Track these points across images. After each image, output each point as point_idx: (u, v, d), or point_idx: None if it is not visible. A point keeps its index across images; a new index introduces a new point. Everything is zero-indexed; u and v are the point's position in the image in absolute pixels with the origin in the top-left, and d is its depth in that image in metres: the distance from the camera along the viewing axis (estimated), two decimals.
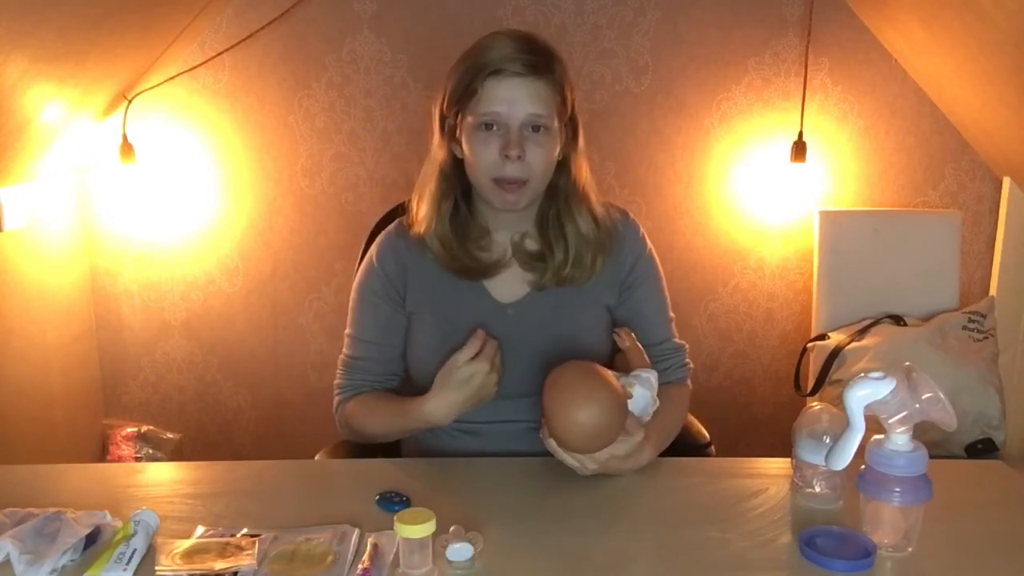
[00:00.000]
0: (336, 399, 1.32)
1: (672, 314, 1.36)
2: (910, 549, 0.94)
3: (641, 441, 1.10)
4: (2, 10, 1.39)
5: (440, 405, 1.16)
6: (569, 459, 1.09)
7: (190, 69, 2.18)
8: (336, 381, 1.33)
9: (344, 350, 1.33)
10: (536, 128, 1.17)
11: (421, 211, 1.27)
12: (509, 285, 1.28)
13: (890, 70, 2.23)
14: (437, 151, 1.25)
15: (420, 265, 1.28)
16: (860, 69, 2.24)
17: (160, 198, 2.27)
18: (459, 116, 1.20)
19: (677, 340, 1.35)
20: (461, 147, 1.21)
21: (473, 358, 1.13)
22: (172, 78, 2.17)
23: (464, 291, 1.27)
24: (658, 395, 1.18)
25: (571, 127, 1.24)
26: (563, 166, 1.25)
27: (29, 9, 1.45)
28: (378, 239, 1.34)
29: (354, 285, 1.33)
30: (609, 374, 1.08)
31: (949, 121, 2.26)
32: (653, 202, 2.31)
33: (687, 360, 1.36)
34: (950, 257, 2.19)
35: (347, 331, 1.33)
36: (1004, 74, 1.82)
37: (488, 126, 1.17)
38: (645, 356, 1.23)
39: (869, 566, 0.91)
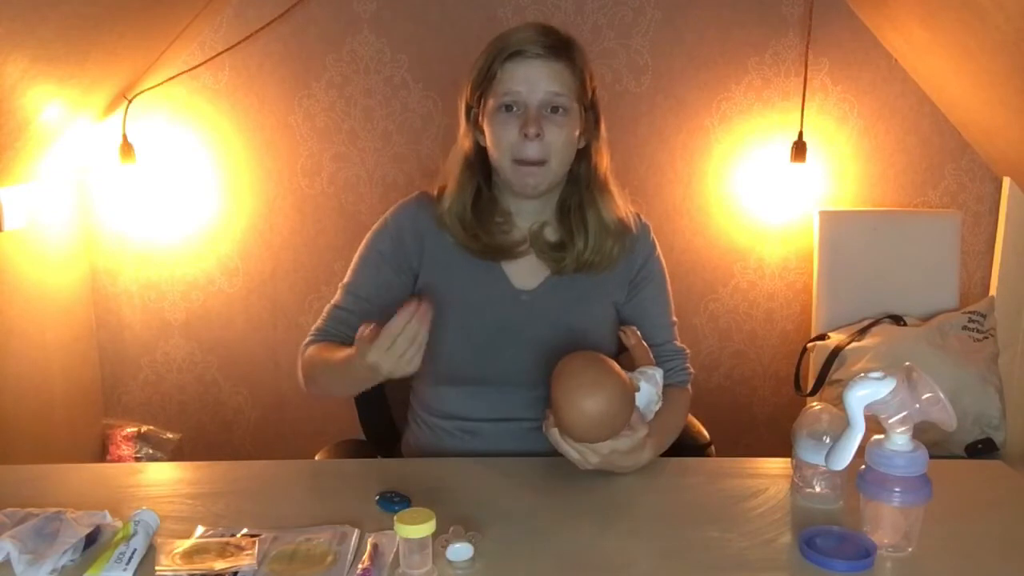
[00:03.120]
0: (306, 340, 1.28)
1: (675, 318, 1.37)
2: (910, 549, 0.94)
3: (644, 438, 1.10)
4: (2, 10, 1.39)
5: (365, 365, 1.03)
6: (571, 451, 1.08)
7: (190, 69, 2.18)
8: (315, 325, 1.30)
9: (334, 298, 1.31)
10: (555, 109, 1.18)
11: (447, 195, 1.27)
12: (528, 272, 1.29)
13: (890, 70, 2.23)
14: (463, 140, 1.27)
15: (439, 240, 1.28)
16: (860, 69, 2.24)
17: (160, 198, 2.27)
18: (481, 101, 1.22)
19: (679, 343, 1.36)
20: (484, 134, 1.22)
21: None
22: (172, 78, 2.17)
23: (483, 273, 1.27)
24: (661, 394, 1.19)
25: (592, 114, 1.25)
26: (585, 154, 1.26)
27: (29, 9, 1.45)
28: (398, 204, 1.33)
29: (364, 241, 1.32)
30: (617, 366, 1.08)
31: (949, 121, 2.26)
32: (653, 202, 2.31)
33: (688, 365, 1.36)
34: (950, 257, 2.19)
35: (343, 281, 1.32)
36: (1004, 74, 1.82)
37: (508, 108, 1.18)
38: (650, 355, 1.23)
39: (869, 566, 0.91)
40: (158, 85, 2.16)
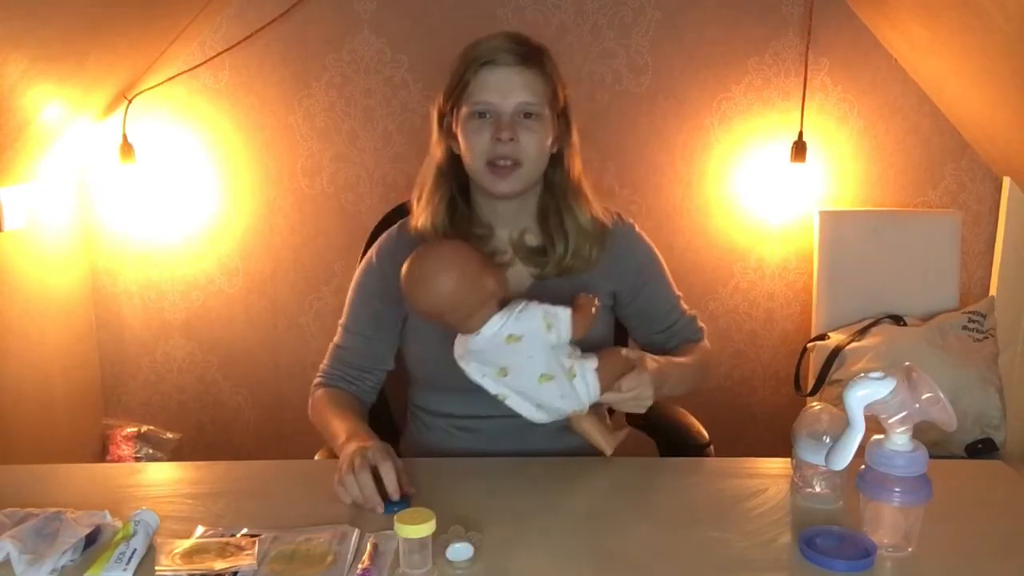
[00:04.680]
0: (315, 380, 1.36)
1: (678, 292, 1.40)
2: (910, 549, 0.94)
3: (644, 373, 1.13)
4: (2, 10, 1.39)
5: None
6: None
7: (190, 69, 2.18)
8: (321, 365, 1.37)
9: (335, 338, 1.36)
10: (528, 115, 1.20)
11: (419, 207, 1.29)
12: (511, 280, 1.29)
13: (890, 70, 2.23)
14: (435, 149, 1.28)
15: None
16: (860, 69, 2.24)
17: (160, 198, 2.27)
18: (454, 110, 1.23)
19: (687, 314, 1.40)
20: (457, 142, 1.23)
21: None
22: (172, 78, 2.17)
23: None
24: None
25: (564, 122, 1.27)
26: (558, 160, 1.28)
27: (29, 9, 1.45)
28: (380, 238, 1.36)
29: (353, 278, 1.36)
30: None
31: (949, 121, 2.26)
32: (653, 202, 2.31)
33: (700, 325, 1.41)
34: (950, 257, 2.19)
35: (340, 321, 1.36)
36: (1004, 74, 1.82)
37: (481, 115, 1.20)
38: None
39: (869, 566, 0.91)
40: (158, 85, 2.16)
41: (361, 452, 1.07)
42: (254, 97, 2.23)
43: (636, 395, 1.13)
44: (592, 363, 1.11)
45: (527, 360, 1.09)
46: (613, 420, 1.32)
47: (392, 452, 1.09)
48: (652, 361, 1.18)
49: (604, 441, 1.16)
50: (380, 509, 1.02)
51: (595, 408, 1.15)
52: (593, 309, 1.14)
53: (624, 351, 1.17)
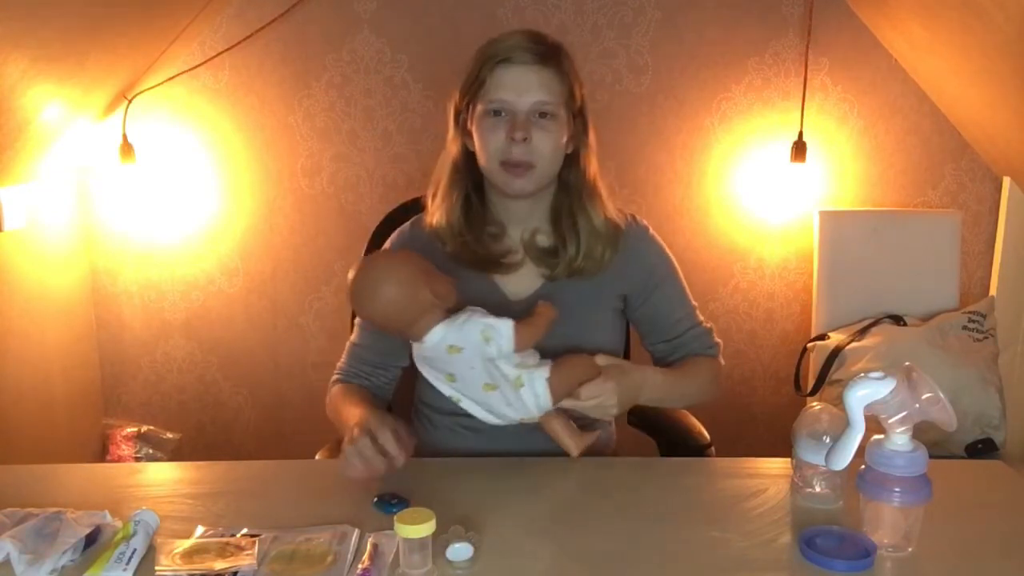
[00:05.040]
0: (332, 378, 1.37)
1: (694, 302, 1.38)
2: (910, 549, 0.94)
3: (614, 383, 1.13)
4: (2, 10, 1.39)
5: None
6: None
7: (190, 69, 2.18)
8: (338, 363, 1.38)
9: (351, 336, 1.37)
10: (543, 115, 1.20)
11: (434, 203, 1.29)
12: (521, 281, 1.30)
13: (890, 70, 2.23)
14: (451, 146, 1.29)
15: (432, 260, 1.28)
16: (860, 69, 2.24)
17: (160, 198, 2.27)
18: (470, 107, 1.23)
19: (704, 325, 1.38)
20: (473, 139, 1.24)
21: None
22: (172, 78, 2.17)
23: (475, 286, 1.28)
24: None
25: (581, 122, 1.26)
26: (573, 160, 1.27)
27: (29, 9, 1.45)
28: (394, 234, 1.37)
29: None
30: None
31: (949, 121, 2.26)
32: (653, 202, 2.31)
33: (716, 340, 1.38)
34: (950, 257, 2.19)
35: (356, 319, 1.37)
36: (1004, 74, 1.82)
37: (496, 112, 1.20)
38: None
39: (869, 566, 0.91)
40: (158, 85, 2.16)
41: (359, 424, 1.07)
42: (254, 97, 2.23)
43: (598, 403, 1.13)
44: (543, 372, 1.10)
45: (469, 370, 1.09)
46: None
47: (389, 418, 1.09)
48: (624, 372, 1.17)
49: (571, 443, 1.15)
50: (382, 469, 1.03)
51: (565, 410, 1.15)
52: (548, 320, 1.13)
53: (596, 357, 1.16)
